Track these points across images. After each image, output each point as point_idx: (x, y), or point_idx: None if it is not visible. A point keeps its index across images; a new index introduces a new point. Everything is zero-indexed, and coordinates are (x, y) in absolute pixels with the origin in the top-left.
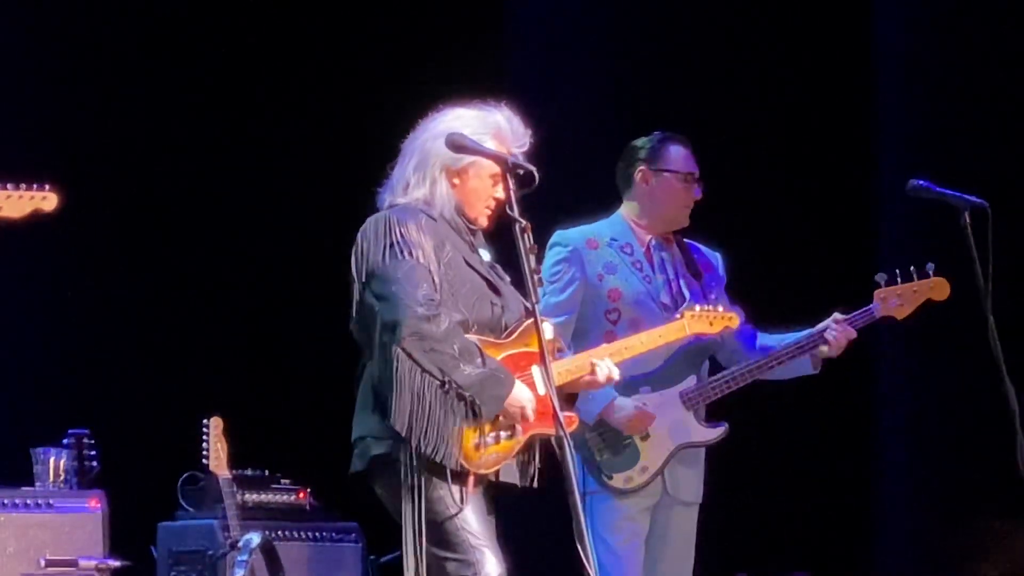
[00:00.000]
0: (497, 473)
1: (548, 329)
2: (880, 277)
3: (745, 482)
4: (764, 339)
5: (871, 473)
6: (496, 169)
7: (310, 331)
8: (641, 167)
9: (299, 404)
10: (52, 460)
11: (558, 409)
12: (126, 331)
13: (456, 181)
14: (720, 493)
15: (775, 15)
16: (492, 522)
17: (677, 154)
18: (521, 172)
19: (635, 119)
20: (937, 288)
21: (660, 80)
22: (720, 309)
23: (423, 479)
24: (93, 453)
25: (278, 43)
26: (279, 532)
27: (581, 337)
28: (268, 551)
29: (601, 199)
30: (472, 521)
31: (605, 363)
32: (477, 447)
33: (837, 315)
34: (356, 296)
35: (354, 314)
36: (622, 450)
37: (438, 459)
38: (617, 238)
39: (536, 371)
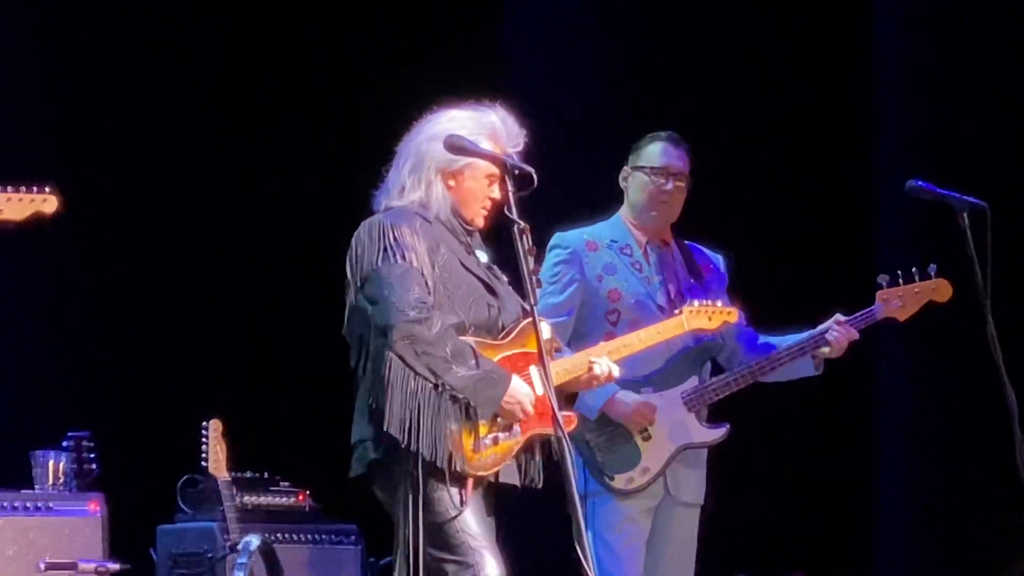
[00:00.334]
0: (497, 474)
1: (545, 329)
2: (882, 278)
3: (745, 482)
4: (765, 340)
5: (871, 473)
6: (492, 169)
7: (309, 333)
8: (625, 167)
9: (298, 406)
10: (51, 463)
11: (556, 409)
12: (125, 333)
13: (452, 183)
14: (720, 493)
15: (775, 15)
16: (492, 523)
17: (653, 150)
18: (519, 173)
19: (635, 120)
20: (939, 289)
21: (660, 80)
22: (719, 304)
23: (422, 482)
24: (92, 456)
25: (278, 43)
26: (278, 534)
27: (581, 339)
28: (267, 553)
29: (601, 200)
30: (471, 523)
31: (604, 360)
32: (475, 449)
33: (839, 316)
34: (350, 300)
35: (347, 318)
36: (623, 451)
37: (435, 462)
38: (617, 239)
39: (534, 371)
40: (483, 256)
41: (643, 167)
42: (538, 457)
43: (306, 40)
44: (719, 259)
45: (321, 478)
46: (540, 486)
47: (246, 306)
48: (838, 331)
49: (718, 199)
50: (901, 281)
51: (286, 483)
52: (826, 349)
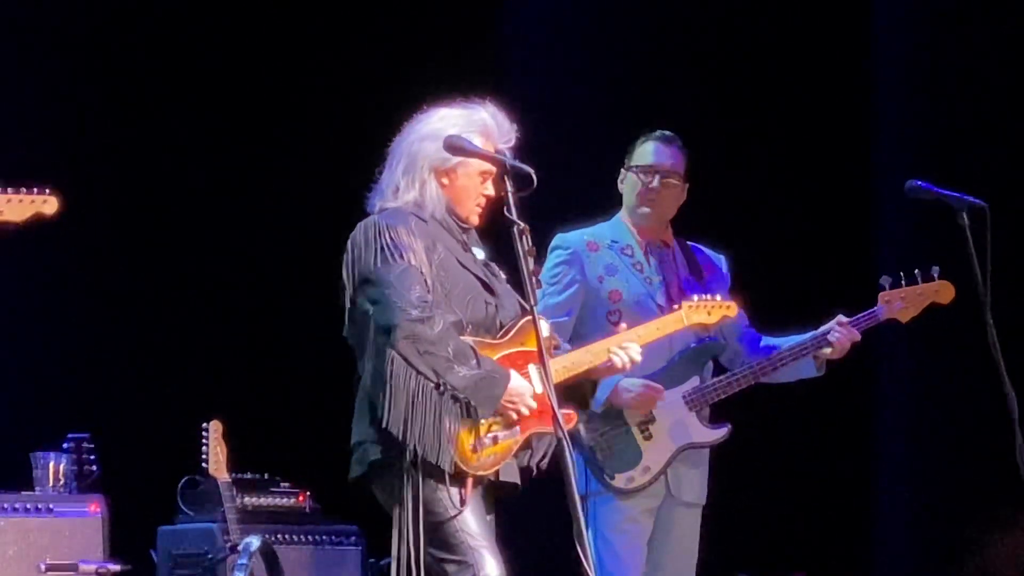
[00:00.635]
0: (497, 473)
1: (544, 326)
2: (885, 280)
3: (745, 482)
4: (768, 341)
5: (871, 473)
6: (485, 166)
7: (309, 334)
8: (621, 168)
9: (298, 407)
10: (52, 464)
11: (556, 408)
12: (125, 334)
13: (445, 181)
14: (720, 493)
15: (774, 15)
16: (491, 522)
17: (643, 150)
18: (518, 173)
19: (634, 120)
20: (942, 291)
21: (659, 81)
22: (719, 298)
23: (421, 482)
24: (93, 457)
25: (277, 43)
26: (279, 535)
27: (582, 339)
28: (268, 554)
29: (601, 201)
30: (471, 523)
31: (628, 349)
32: (474, 449)
33: (841, 317)
34: (349, 302)
35: (347, 320)
36: (624, 450)
37: (434, 461)
38: (617, 240)
39: (533, 369)
40: (480, 253)
41: (634, 167)
42: (542, 448)
43: (305, 40)
44: (721, 260)
45: (321, 479)
46: (538, 484)
47: (246, 307)
48: (840, 332)
49: (718, 199)
50: (903, 283)
51: (286, 484)
52: (828, 350)
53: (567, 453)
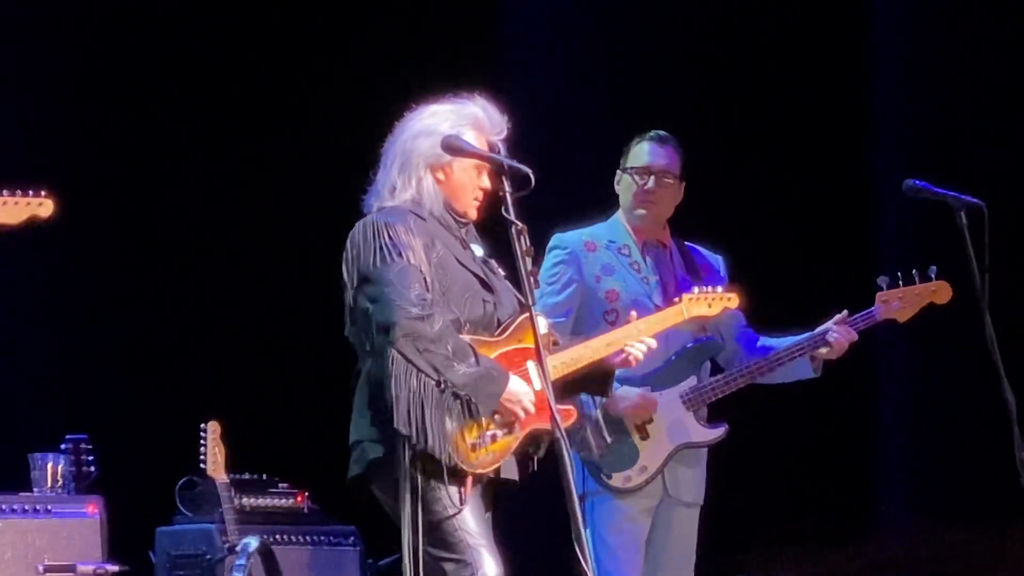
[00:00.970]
0: (497, 471)
1: (542, 323)
2: (882, 280)
3: (745, 482)
4: (765, 341)
5: (871, 472)
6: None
7: (307, 334)
8: (617, 170)
9: (297, 407)
10: (50, 465)
11: (554, 405)
12: (124, 335)
13: (441, 176)
14: (720, 493)
15: (774, 15)
16: (489, 520)
17: (637, 150)
18: (516, 173)
19: (633, 120)
20: (939, 291)
21: (659, 81)
22: (719, 290)
23: (421, 481)
24: (91, 458)
25: (277, 43)
26: (277, 536)
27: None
28: (266, 555)
29: (599, 201)
30: (470, 521)
31: (638, 345)
32: (474, 447)
33: (839, 316)
34: (349, 302)
35: (348, 320)
36: (621, 450)
37: (445, 460)
38: (615, 240)
39: (531, 367)
40: (479, 250)
41: (629, 168)
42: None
43: (305, 40)
44: (719, 261)
45: (320, 479)
46: (538, 484)
47: (245, 307)
48: (838, 332)
49: (718, 199)
50: (901, 283)
51: (285, 484)
52: (825, 350)
53: (565, 452)
